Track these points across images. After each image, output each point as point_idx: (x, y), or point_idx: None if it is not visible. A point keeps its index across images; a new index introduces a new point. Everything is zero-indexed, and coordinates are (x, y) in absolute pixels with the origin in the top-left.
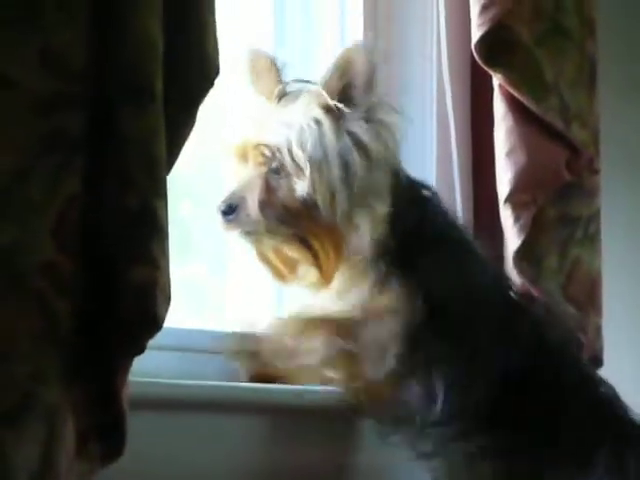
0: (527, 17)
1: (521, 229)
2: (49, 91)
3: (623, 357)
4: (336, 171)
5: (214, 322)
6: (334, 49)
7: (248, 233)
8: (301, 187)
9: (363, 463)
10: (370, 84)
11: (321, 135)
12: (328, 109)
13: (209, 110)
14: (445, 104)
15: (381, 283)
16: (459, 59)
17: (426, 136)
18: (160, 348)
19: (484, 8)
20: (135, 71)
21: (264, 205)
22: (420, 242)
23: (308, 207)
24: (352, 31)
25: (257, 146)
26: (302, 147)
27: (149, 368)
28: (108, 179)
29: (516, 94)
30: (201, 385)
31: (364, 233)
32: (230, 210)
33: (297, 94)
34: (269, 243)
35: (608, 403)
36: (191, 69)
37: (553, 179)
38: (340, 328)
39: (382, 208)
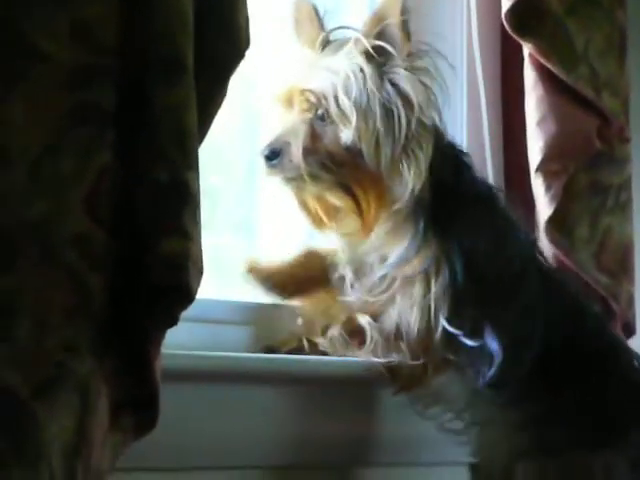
0: None
1: (552, 198)
2: (80, 64)
3: None
4: (380, 119)
5: (243, 294)
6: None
7: (290, 179)
8: (346, 135)
9: (388, 433)
10: (407, 34)
11: (367, 82)
12: (370, 57)
13: (240, 81)
14: (475, 73)
15: (420, 239)
16: (489, 28)
17: (457, 106)
18: (190, 320)
19: None
20: (166, 42)
21: (308, 151)
22: (457, 200)
23: (352, 155)
24: None
25: (303, 92)
26: (347, 94)
27: (180, 340)
28: (140, 151)
29: (546, 63)
30: (228, 356)
31: (407, 183)
32: (273, 155)
33: (340, 42)
34: (311, 190)
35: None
36: (221, 40)
37: (584, 148)
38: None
39: (426, 158)
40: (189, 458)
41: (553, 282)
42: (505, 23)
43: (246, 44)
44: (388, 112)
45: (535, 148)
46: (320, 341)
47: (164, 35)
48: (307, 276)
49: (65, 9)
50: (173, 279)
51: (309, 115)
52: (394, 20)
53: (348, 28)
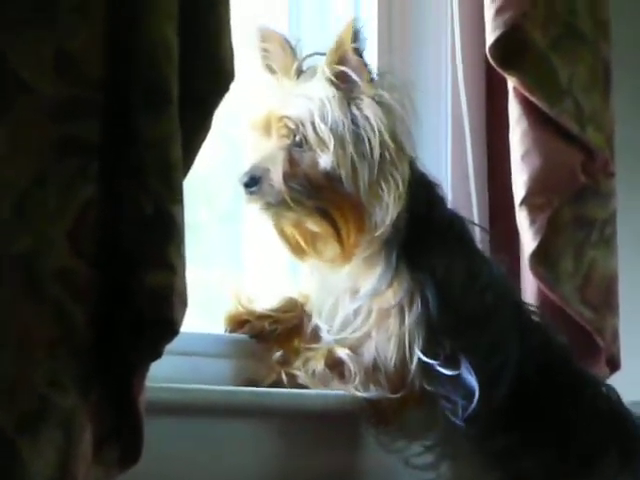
0: (541, 20)
1: (537, 232)
2: (65, 96)
3: None
4: (352, 145)
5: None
6: None
7: (270, 205)
8: (324, 160)
9: (373, 466)
10: (362, 60)
11: (339, 109)
12: (336, 84)
13: (224, 114)
14: (460, 107)
15: (392, 270)
16: (474, 62)
17: (441, 139)
18: (174, 353)
19: (498, 11)
20: (151, 74)
21: (288, 176)
22: (429, 231)
23: (331, 180)
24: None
25: (280, 119)
26: (324, 120)
27: (164, 373)
28: (124, 184)
29: (530, 97)
30: (213, 390)
31: (388, 207)
32: (253, 182)
33: (314, 69)
34: (290, 217)
35: (613, 404)
36: (206, 74)
37: (568, 182)
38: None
39: (403, 180)
40: None
41: (523, 314)
42: (489, 57)
43: (231, 77)
44: (358, 137)
45: (519, 182)
46: (299, 374)
47: (149, 67)
48: (285, 327)
49: (50, 41)
50: (158, 312)
51: (287, 141)
52: (349, 47)
53: (322, 54)
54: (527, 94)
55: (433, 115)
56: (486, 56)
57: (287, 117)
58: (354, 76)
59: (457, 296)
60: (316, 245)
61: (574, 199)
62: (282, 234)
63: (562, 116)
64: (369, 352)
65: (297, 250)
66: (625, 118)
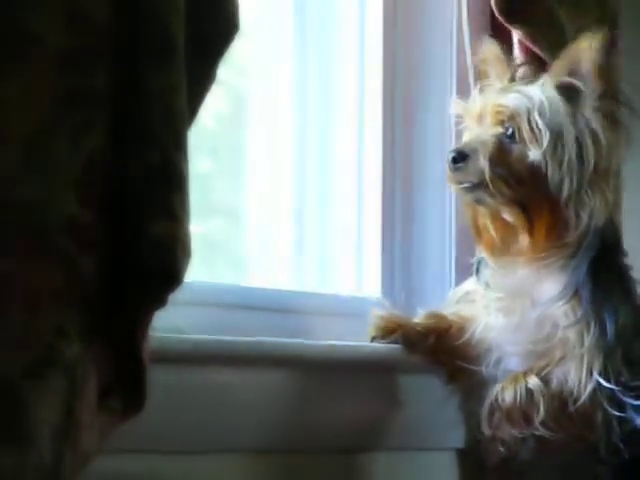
0: None
1: None
2: (73, 47)
3: None
4: (571, 151)
5: (233, 277)
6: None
7: (473, 187)
8: (534, 154)
9: (400, 418)
10: (601, 75)
11: (560, 112)
12: (562, 91)
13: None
14: (465, 62)
15: (579, 282)
16: (479, 15)
17: (446, 93)
18: (180, 303)
19: None
20: (157, 23)
21: (494, 161)
22: (610, 263)
23: (535, 176)
24: None
25: (496, 107)
26: (542, 116)
27: (170, 323)
28: (130, 134)
29: (536, 49)
30: (221, 340)
31: (585, 218)
32: (461, 158)
33: (530, 79)
34: (488, 203)
35: None
36: (211, 23)
37: None
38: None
39: (607, 200)
40: (180, 441)
41: None
42: (494, 9)
43: (236, 27)
44: (576, 141)
45: None
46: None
47: (155, 16)
48: (437, 335)
49: None
50: (161, 262)
51: (499, 129)
52: (589, 60)
53: (531, 64)
54: (532, 46)
55: (438, 67)
56: (491, 8)
57: (503, 106)
58: (584, 88)
59: (629, 336)
60: (506, 239)
61: None
62: (475, 224)
63: None
64: (558, 380)
65: (489, 245)
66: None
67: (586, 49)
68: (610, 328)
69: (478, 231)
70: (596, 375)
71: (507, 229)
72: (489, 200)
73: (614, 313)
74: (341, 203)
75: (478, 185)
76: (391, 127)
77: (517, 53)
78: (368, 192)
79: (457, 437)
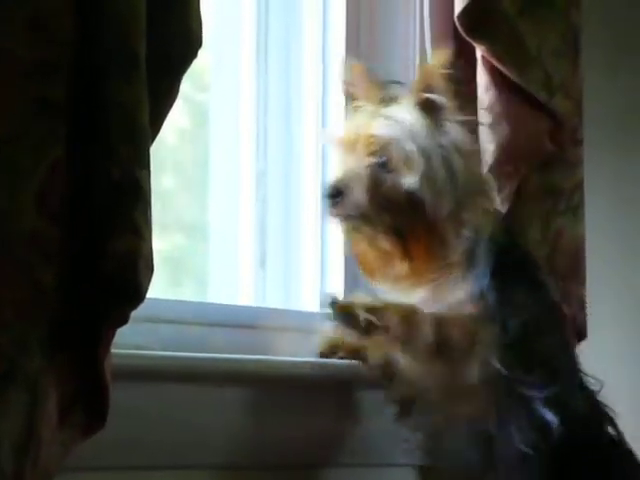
0: None
1: (504, 200)
2: (37, 59)
3: (606, 329)
4: (441, 170)
5: (195, 294)
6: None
7: (351, 218)
8: (408, 181)
9: (359, 434)
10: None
11: (425, 134)
12: (424, 109)
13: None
14: None
15: (478, 295)
16: (441, 30)
17: None
18: (141, 320)
19: None
20: (120, 39)
21: (370, 192)
22: (512, 264)
23: (412, 202)
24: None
25: (368, 137)
26: (413, 142)
27: (131, 340)
28: (92, 148)
29: (499, 65)
30: (183, 356)
31: (466, 235)
32: (337, 193)
33: (397, 96)
34: (367, 231)
35: None
36: (174, 39)
37: (536, 150)
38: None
39: (489, 210)
40: (140, 457)
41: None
42: (458, 25)
43: (199, 43)
44: (446, 163)
45: (488, 150)
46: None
47: (118, 31)
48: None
49: (23, 3)
50: (124, 277)
51: (372, 160)
52: (440, 76)
53: (401, 83)
54: (495, 63)
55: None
56: (454, 24)
57: (375, 136)
58: (443, 103)
59: (534, 339)
60: (386, 266)
61: (542, 168)
62: (357, 250)
63: (530, 85)
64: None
65: (368, 269)
66: (596, 83)
67: (437, 65)
68: (512, 325)
69: (360, 256)
70: (494, 364)
71: (384, 256)
72: (367, 229)
73: (518, 312)
74: (304, 218)
75: (357, 217)
76: None
77: (480, 69)
78: None
79: (415, 453)
